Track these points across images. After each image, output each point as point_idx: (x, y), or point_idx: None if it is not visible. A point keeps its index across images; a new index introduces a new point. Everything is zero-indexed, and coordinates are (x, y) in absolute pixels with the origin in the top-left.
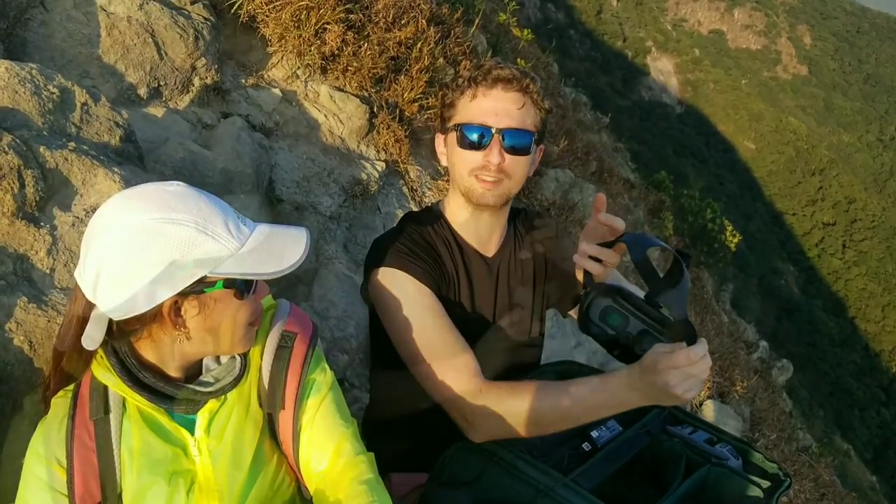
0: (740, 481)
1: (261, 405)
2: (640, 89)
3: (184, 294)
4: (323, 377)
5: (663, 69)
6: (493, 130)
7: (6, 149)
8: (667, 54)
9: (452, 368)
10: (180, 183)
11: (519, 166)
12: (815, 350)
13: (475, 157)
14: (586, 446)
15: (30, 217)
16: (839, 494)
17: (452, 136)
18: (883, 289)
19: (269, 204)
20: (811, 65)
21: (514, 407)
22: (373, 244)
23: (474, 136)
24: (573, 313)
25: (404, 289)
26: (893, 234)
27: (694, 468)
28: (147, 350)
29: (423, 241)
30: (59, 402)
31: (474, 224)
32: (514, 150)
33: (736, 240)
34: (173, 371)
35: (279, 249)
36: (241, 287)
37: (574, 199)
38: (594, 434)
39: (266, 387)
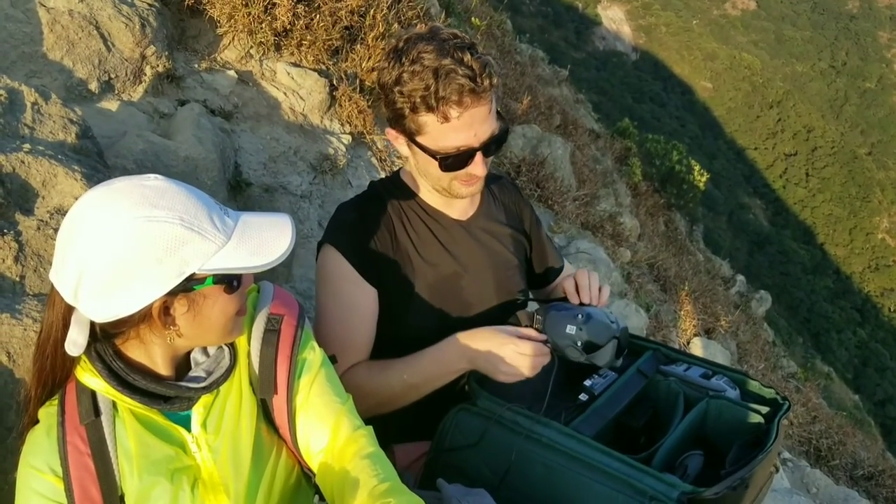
0: (740, 410)
1: (254, 392)
2: (594, 40)
3: (173, 293)
4: (313, 355)
5: (615, 17)
6: (476, 147)
7: None
8: (617, 2)
9: (347, 347)
10: (158, 176)
11: (492, 158)
12: (789, 279)
13: (457, 174)
14: (583, 396)
15: None
16: (828, 415)
17: (425, 155)
18: (848, 213)
19: (238, 188)
20: None
21: (375, 383)
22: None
23: (458, 162)
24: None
25: (328, 263)
26: (853, 159)
27: (693, 403)
28: (134, 350)
29: (373, 213)
30: (46, 412)
31: (445, 201)
32: (494, 151)
33: (704, 179)
34: (163, 369)
35: (267, 240)
36: (231, 281)
37: (544, 153)
38: (588, 383)
39: (257, 372)
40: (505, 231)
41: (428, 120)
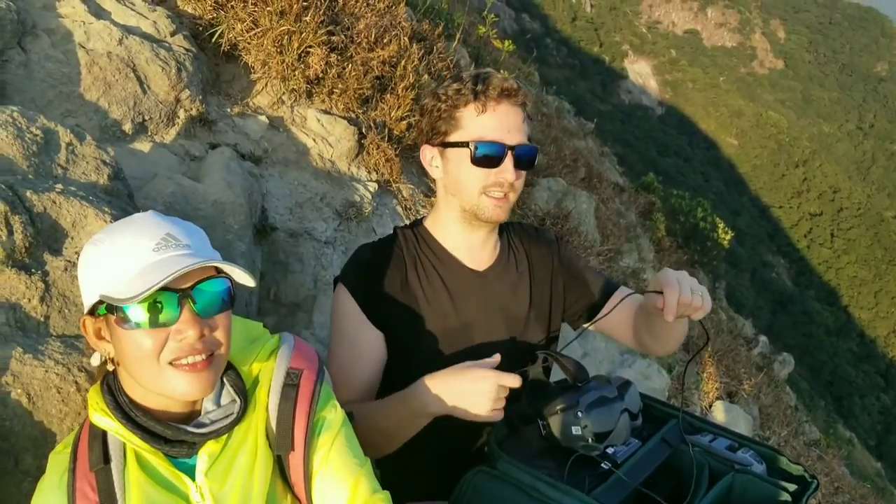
0: (767, 486)
1: (270, 446)
2: (620, 93)
3: (92, 314)
4: (334, 414)
5: (641, 71)
6: (507, 147)
7: None
8: (644, 57)
9: (341, 384)
10: (151, 211)
11: (523, 179)
12: (812, 340)
13: (487, 174)
14: (605, 465)
15: (20, 264)
16: (851, 485)
17: (458, 152)
18: (874, 275)
19: (264, 232)
20: (787, 58)
21: (365, 424)
22: None
23: (490, 154)
24: (588, 325)
25: (338, 302)
26: (880, 221)
27: (718, 476)
28: (129, 386)
29: (386, 257)
30: (58, 458)
31: (465, 239)
32: (523, 166)
33: (728, 237)
34: (162, 410)
35: (168, 267)
36: (120, 313)
37: (568, 207)
38: (611, 451)
39: (274, 428)
40: (524, 281)
41: (465, 113)
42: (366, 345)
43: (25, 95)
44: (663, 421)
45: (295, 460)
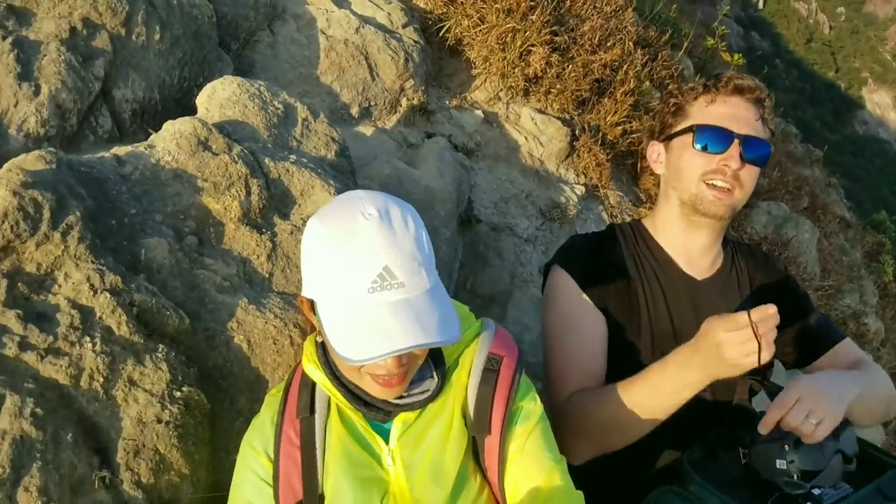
0: None
1: (466, 426)
2: (854, 123)
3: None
4: (533, 406)
5: (881, 102)
6: (734, 135)
7: (236, 158)
8: (885, 86)
9: (559, 373)
10: (372, 199)
11: (751, 177)
12: None
13: (710, 160)
14: None
15: (253, 223)
16: None
17: (682, 139)
18: None
19: (468, 223)
20: None
21: (593, 411)
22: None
23: (713, 139)
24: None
25: (557, 284)
26: None
27: None
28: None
29: (608, 248)
30: (272, 400)
31: (684, 241)
32: (751, 160)
33: None
34: None
35: (391, 330)
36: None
37: (788, 235)
38: (817, 492)
39: (472, 409)
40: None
41: (694, 105)
42: (592, 325)
43: (269, 74)
44: (881, 470)
45: (491, 444)
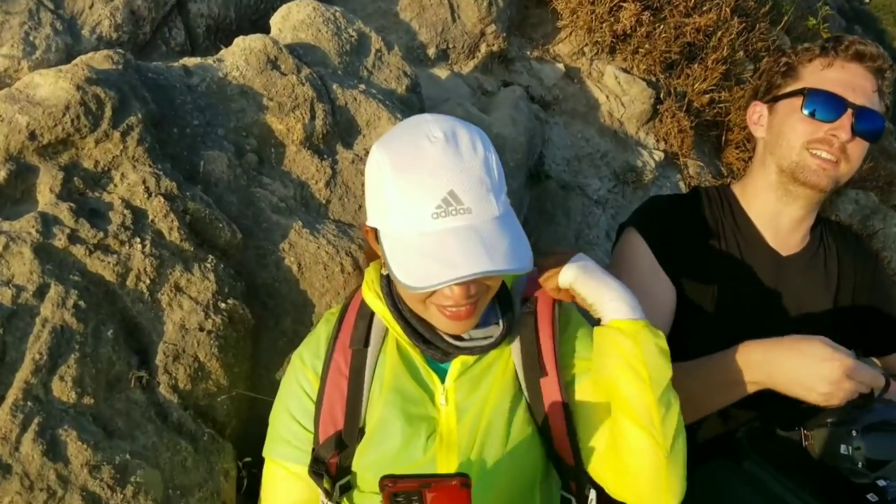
0: None
1: (516, 376)
2: None
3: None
4: (588, 339)
5: None
6: (848, 104)
7: (303, 80)
8: None
9: None
10: (436, 123)
11: (859, 152)
12: None
13: (817, 128)
14: (872, 497)
15: (315, 148)
16: None
17: (789, 102)
18: None
19: (537, 177)
20: None
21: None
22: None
23: (825, 105)
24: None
25: (630, 248)
26: None
27: None
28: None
29: (689, 214)
30: (330, 317)
31: (775, 212)
32: (863, 133)
33: None
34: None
35: (451, 256)
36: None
37: (875, 226)
38: (883, 483)
39: (520, 358)
40: (829, 284)
41: (808, 67)
42: (662, 293)
43: (348, 6)
44: None
45: (548, 387)
